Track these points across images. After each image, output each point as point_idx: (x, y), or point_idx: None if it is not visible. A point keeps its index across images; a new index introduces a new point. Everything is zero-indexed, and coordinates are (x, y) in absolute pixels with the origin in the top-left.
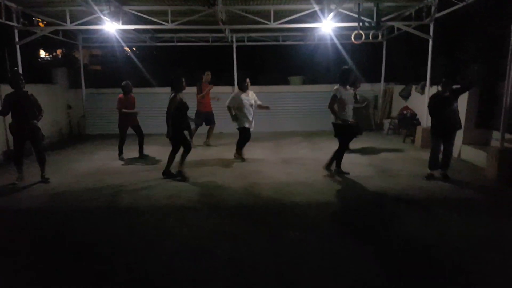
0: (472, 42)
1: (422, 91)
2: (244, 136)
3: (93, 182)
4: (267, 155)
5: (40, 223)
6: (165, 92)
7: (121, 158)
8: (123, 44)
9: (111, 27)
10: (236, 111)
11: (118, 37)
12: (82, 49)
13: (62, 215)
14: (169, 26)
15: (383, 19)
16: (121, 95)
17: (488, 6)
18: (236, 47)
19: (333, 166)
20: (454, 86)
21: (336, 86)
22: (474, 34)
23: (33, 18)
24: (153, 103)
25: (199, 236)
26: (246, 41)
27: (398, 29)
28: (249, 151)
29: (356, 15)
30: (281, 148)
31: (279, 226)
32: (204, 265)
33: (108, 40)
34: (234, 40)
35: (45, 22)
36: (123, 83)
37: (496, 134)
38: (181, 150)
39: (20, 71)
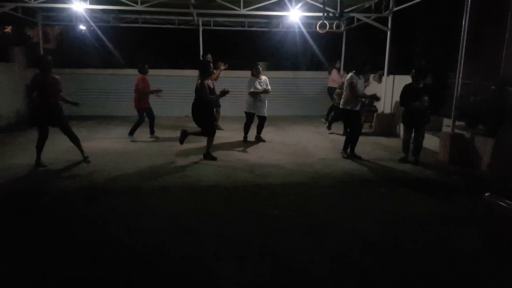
0: (426, 34)
1: (379, 80)
2: (249, 120)
3: (66, 165)
4: (236, 139)
5: (23, 205)
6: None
7: (134, 139)
8: (92, 24)
9: (79, 6)
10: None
11: (81, 16)
12: (40, 27)
13: (41, 198)
14: (139, 7)
15: (345, 10)
16: (142, 76)
17: (442, 1)
18: (202, 31)
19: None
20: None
21: (350, 73)
22: (429, 27)
23: None
24: (117, 85)
25: (183, 214)
26: (212, 25)
27: (358, 20)
28: (218, 135)
29: (321, 5)
30: (250, 132)
31: (258, 204)
32: (193, 240)
33: (69, 19)
34: (201, 24)
35: None
36: (140, 64)
37: (446, 121)
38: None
39: None
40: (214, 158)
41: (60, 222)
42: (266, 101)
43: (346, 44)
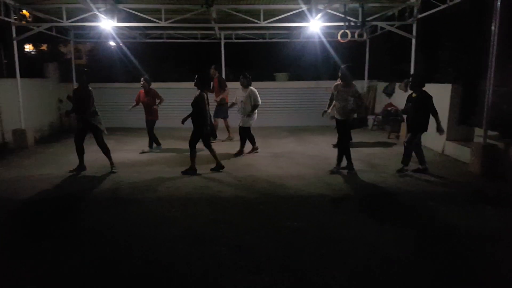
0: (454, 41)
1: (405, 89)
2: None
3: (92, 173)
4: (259, 150)
5: (46, 211)
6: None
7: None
8: (118, 40)
9: (107, 24)
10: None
11: (109, 33)
12: (73, 44)
13: (67, 204)
14: (163, 24)
15: (367, 19)
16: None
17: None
18: (224, 44)
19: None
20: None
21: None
22: (456, 33)
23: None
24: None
25: (202, 224)
26: (234, 38)
27: (381, 28)
28: (238, 145)
29: (342, 15)
30: (269, 143)
31: (277, 216)
32: (211, 250)
33: (98, 36)
34: (222, 37)
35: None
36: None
37: (478, 131)
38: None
39: (17, 65)
40: (194, 172)
41: (82, 229)
42: None
43: (370, 53)
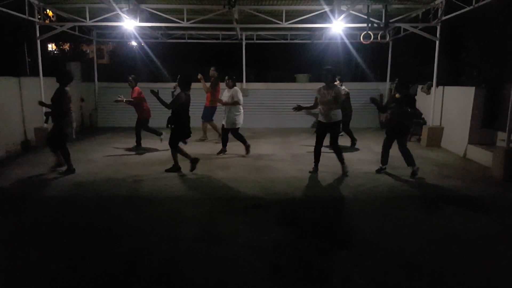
0: (478, 43)
1: (428, 91)
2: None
3: (112, 173)
4: (276, 151)
5: (66, 210)
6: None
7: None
8: (141, 40)
9: (129, 24)
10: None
11: (132, 33)
12: (95, 44)
13: (87, 202)
14: (185, 24)
15: (391, 20)
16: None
17: (495, 9)
18: (245, 45)
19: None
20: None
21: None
22: (480, 36)
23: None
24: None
25: (220, 225)
26: (255, 39)
27: (404, 30)
28: (258, 146)
29: (365, 16)
30: (289, 144)
31: (296, 217)
32: (228, 250)
33: (120, 35)
34: (244, 38)
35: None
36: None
37: (501, 135)
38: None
39: (40, 64)
40: (178, 169)
41: (101, 229)
42: None
43: (392, 54)
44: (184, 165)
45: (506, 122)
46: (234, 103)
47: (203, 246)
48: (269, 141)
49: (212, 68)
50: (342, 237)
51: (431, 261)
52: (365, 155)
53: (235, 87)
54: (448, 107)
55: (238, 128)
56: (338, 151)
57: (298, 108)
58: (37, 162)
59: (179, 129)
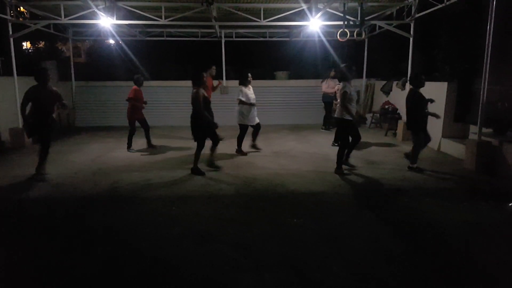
0: (450, 40)
1: (402, 87)
2: (245, 132)
3: (91, 173)
4: (262, 148)
5: (47, 212)
6: (157, 86)
7: (131, 150)
8: (118, 38)
9: (106, 22)
10: (243, 106)
11: (109, 31)
12: (71, 42)
13: (68, 204)
14: (163, 22)
15: (366, 18)
16: (136, 87)
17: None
18: (224, 42)
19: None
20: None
21: (342, 83)
22: (452, 33)
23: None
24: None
25: (203, 223)
26: (234, 36)
27: (380, 27)
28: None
29: (341, 14)
30: (270, 141)
31: (278, 213)
32: (212, 248)
33: (97, 33)
34: (223, 35)
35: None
36: (136, 76)
37: (473, 128)
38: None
39: (14, 63)
40: (202, 173)
41: (84, 230)
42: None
43: (368, 51)
44: (176, 164)
45: (477, 116)
46: (240, 102)
47: (188, 244)
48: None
49: (213, 67)
50: (322, 232)
51: (406, 252)
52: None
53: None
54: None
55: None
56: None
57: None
58: (13, 163)
59: (203, 126)
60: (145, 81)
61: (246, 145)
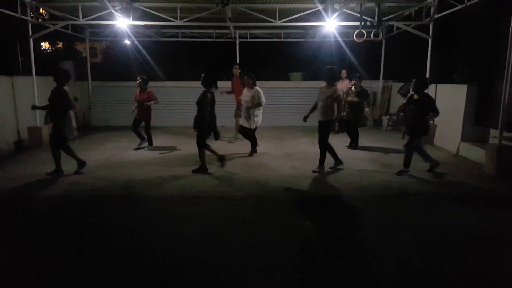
0: (470, 42)
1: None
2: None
3: (106, 172)
4: (270, 149)
5: (62, 208)
6: (171, 86)
7: (147, 147)
8: (134, 39)
9: (122, 23)
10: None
11: (125, 32)
12: (88, 42)
13: (81, 202)
14: (178, 22)
15: (384, 18)
16: (149, 89)
17: (486, 8)
18: (239, 43)
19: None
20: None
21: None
22: (472, 34)
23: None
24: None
25: (214, 223)
26: (248, 37)
27: (397, 28)
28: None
29: (358, 14)
30: (283, 142)
31: (289, 216)
32: (222, 249)
33: (113, 34)
34: (237, 36)
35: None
36: (145, 77)
37: (493, 132)
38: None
39: (33, 63)
40: (205, 171)
41: (98, 227)
42: None
43: (385, 53)
44: (190, 163)
45: (498, 119)
46: (257, 104)
47: (198, 244)
48: (263, 139)
49: (236, 66)
50: (333, 235)
51: (424, 257)
52: (359, 154)
53: (256, 87)
54: (441, 104)
55: (255, 128)
56: (323, 150)
57: (305, 118)
58: (31, 161)
59: (204, 128)
60: (160, 81)
61: (245, 145)
